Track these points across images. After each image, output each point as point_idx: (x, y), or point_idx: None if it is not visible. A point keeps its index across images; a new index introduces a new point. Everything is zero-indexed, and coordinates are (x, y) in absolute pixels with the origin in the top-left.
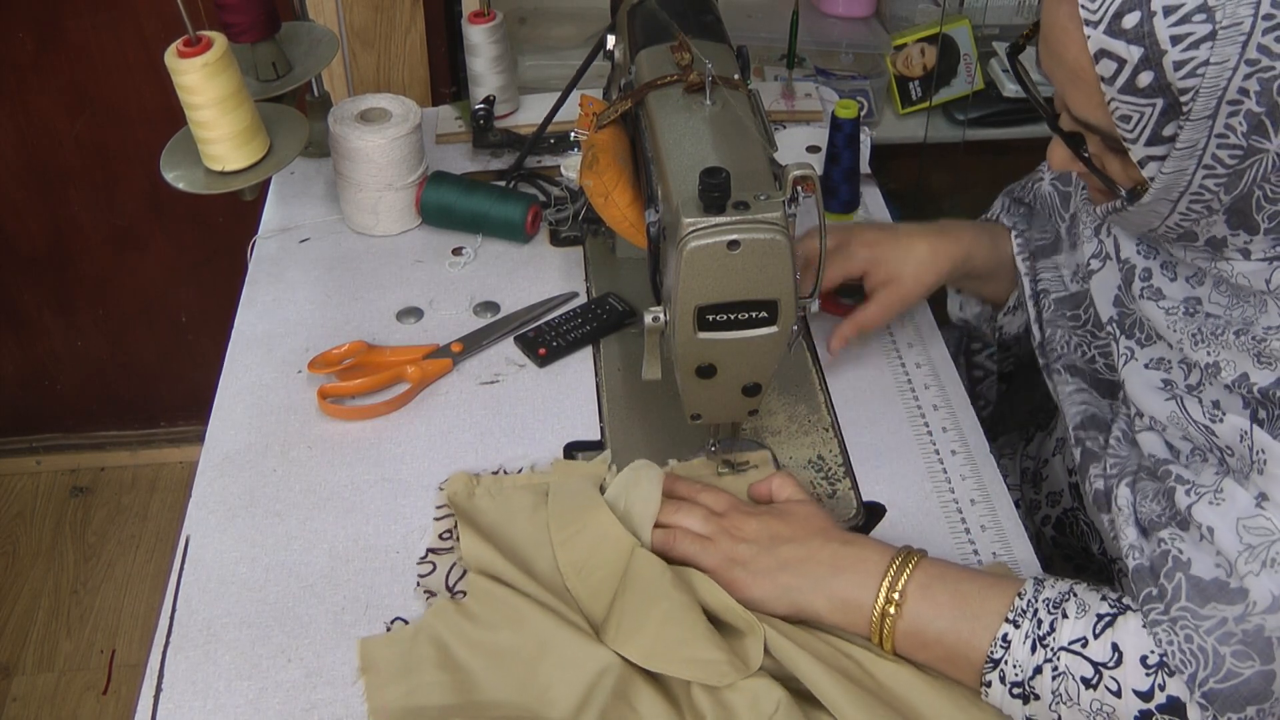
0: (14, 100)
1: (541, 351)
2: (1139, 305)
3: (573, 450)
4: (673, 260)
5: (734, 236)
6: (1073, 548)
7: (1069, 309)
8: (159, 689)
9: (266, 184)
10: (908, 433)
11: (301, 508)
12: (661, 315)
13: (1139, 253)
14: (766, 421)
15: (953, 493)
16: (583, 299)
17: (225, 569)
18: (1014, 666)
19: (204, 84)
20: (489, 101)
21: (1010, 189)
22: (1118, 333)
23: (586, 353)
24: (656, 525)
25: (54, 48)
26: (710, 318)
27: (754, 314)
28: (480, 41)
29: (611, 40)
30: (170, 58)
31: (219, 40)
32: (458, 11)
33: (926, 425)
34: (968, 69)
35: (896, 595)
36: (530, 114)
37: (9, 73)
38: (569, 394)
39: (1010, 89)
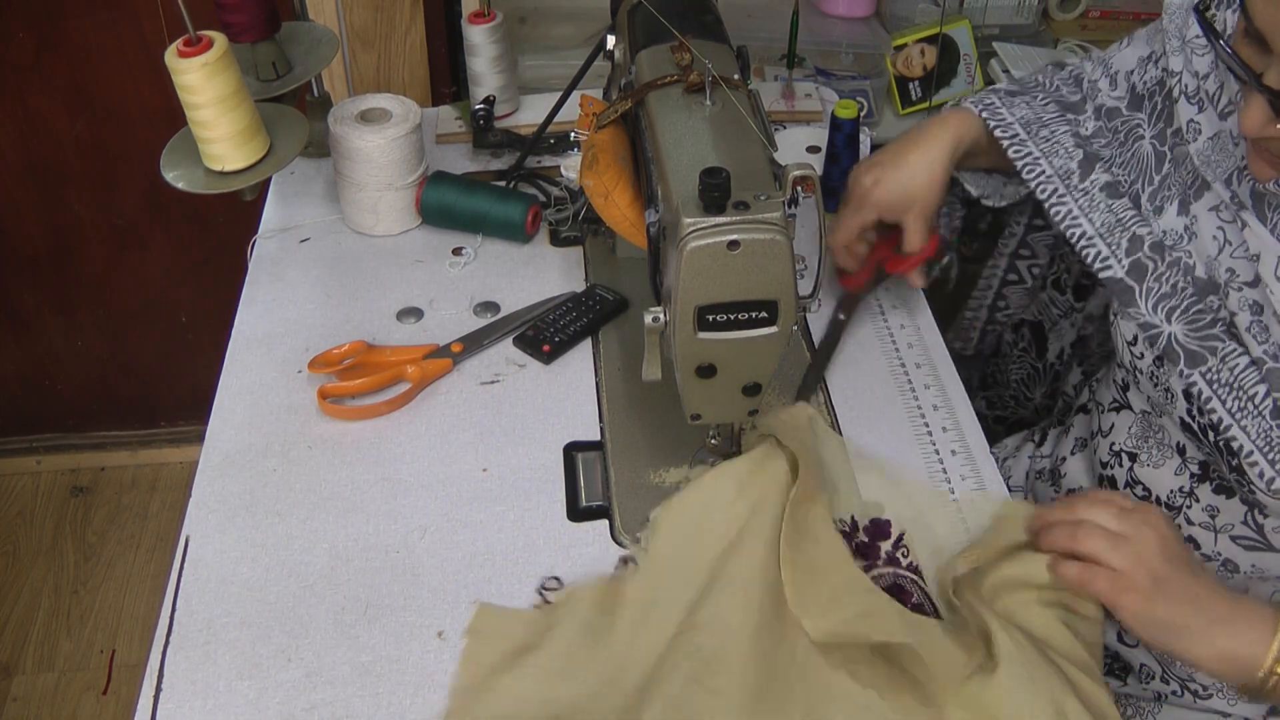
0: (14, 100)
1: (546, 348)
2: None
3: (573, 450)
4: (673, 260)
5: (734, 236)
6: None
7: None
8: (159, 689)
9: (266, 184)
10: (908, 433)
11: (301, 508)
12: (661, 315)
13: None
14: None
15: (952, 493)
16: None
17: (225, 569)
18: None
19: (204, 84)
20: (489, 101)
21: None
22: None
23: (586, 351)
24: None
25: (54, 48)
26: (710, 318)
27: (754, 314)
28: (480, 41)
29: (611, 40)
30: (170, 57)
31: (219, 40)
32: (458, 11)
33: (926, 425)
34: (968, 69)
35: None
36: (530, 114)
37: (9, 73)
38: (569, 394)
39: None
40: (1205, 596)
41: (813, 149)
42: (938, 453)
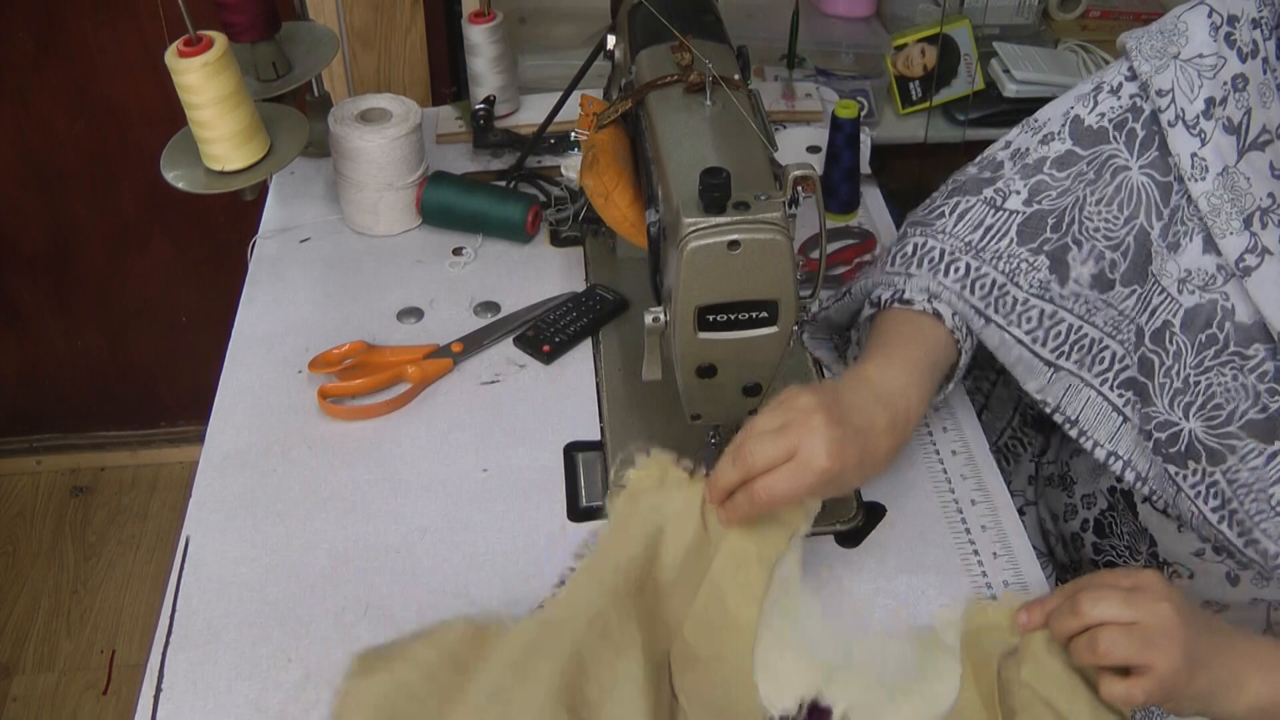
0: (14, 100)
1: (546, 348)
2: None
3: (573, 450)
4: (673, 260)
5: (734, 236)
6: (1117, 550)
7: (1199, 332)
8: (159, 689)
9: (266, 184)
10: None
11: (301, 508)
12: (661, 315)
13: None
14: None
15: (953, 493)
16: None
17: (225, 569)
18: None
19: (204, 84)
20: (489, 101)
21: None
22: None
23: (586, 351)
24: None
25: (54, 48)
26: (710, 318)
27: (754, 314)
28: (480, 41)
29: (611, 40)
30: (170, 57)
31: (219, 40)
32: (458, 11)
33: (926, 425)
34: (968, 69)
35: None
36: (530, 114)
37: (9, 73)
38: (569, 394)
39: (1010, 89)
40: (1227, 648)
41: (813, 149)
42: (938, 452)
